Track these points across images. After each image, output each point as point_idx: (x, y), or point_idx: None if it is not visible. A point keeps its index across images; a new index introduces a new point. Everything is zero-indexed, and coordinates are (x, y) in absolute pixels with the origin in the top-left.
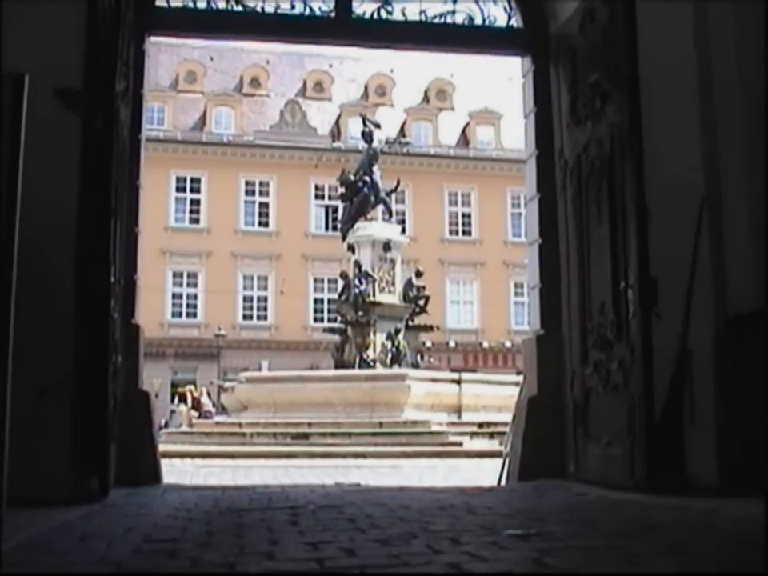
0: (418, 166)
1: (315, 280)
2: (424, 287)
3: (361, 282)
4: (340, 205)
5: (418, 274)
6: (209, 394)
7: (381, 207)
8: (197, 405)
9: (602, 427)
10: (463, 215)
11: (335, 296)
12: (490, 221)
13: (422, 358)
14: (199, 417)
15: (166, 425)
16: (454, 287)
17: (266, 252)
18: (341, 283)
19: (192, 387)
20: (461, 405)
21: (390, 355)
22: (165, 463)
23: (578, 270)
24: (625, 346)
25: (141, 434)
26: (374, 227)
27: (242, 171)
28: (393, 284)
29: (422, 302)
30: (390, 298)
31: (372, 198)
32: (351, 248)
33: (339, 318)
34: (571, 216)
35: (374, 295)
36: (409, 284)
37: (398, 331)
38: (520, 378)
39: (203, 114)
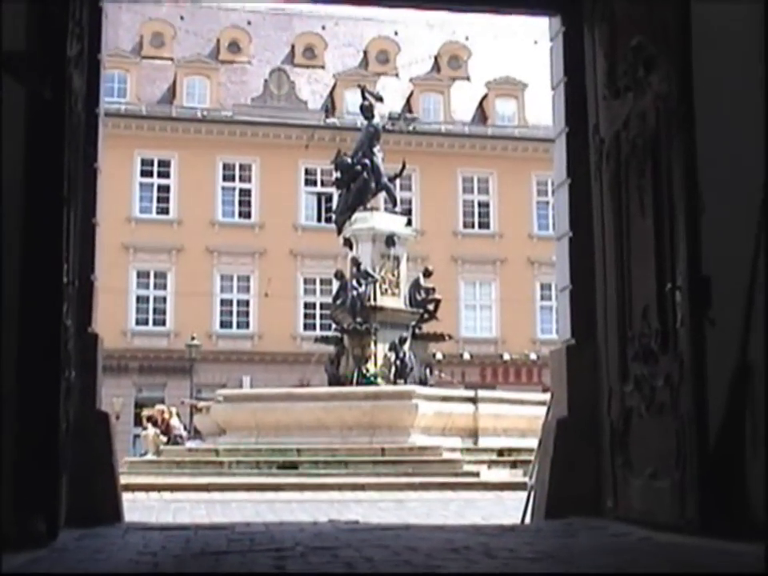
0: (426, 146)
1: (306, 281)
2: (434, 289)
3: (359, 283)
4: (335, 192)
5: (427, 274)
6: (179, 416)
7: (383, 195)
8: (165, 428)
9: (646, 455)
10: (480, 204)
11: (329, 299)
12: (512, 211)
13: (431, 372)
14: (168, 442)
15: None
16: (469, 289)
17: (248, 247)
18: (336, 284)
19: (160, 407)
20: (477, 428)
21: (393, 369)
22: (127, 498)
23: (616, 268)
24: (672, 359)
25: (98, 463)
26: (375, 218)
27: (219, 152)
28: (397, 285)
29: (431, 307)
30: (394, 301)
31: (372, 184)
32: (348, 243)
33: (334, 326)
34: (608, 205)
35: (374, 298)
36: (416, 285)
37: (402, 341)
38: (547, 397)
39: (172, 84)
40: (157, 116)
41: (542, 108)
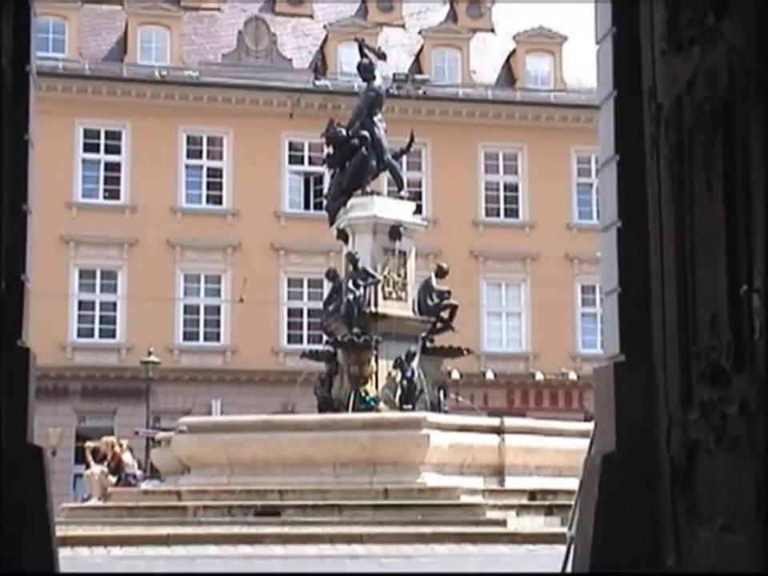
0: (440, 114)
1: (290, 282)
2: (449, 292)
3: (356, 285)
4: (326, 172)
5: (441, 274)
6: (132, 450)
7: (386, 175)
8: (115, 466)
9: (716, 501)
10: (507, 187)
11: (319, 305)
12: (547, 195)
13: (445, 395)
14: (118, 483)
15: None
16: (493, 292)
17: (219, 240)
18: (328, 287)
19: (108, 440)
20: (503, 465)
21: (399, 391)
22: (65, 555)
23: (677, 267)
24: (748, 380)
25: (28, 510)
26: (377, 205)
27: (182, 122)
28: (404, 288)
29: (445, 314)
30: (400, 307)
31: (373, 162)
32: (343, 235)
33: (325, 338)
34: (667, 188)
35: (375, 304)
36: (427, 288)
37: (411, 356)
38: (590, 426)
39: (123, 36)
40: (103, 76)
41: (583, 67)
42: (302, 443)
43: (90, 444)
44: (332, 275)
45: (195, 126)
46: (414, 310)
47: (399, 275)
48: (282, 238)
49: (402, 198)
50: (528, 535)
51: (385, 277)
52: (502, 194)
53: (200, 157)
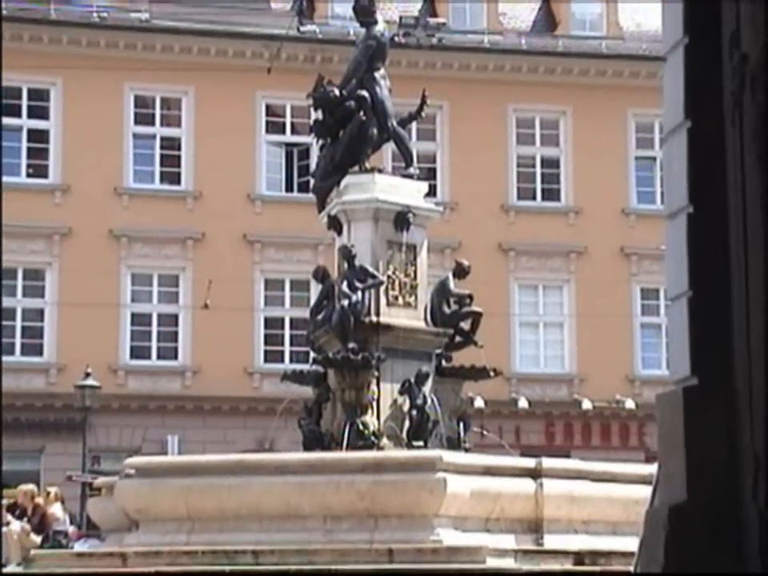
0: (460, 69)
1: (268, 283)
2: (471, 297)
3: (353, 288)
4: (314, 144)
5: (461, 273)
6: (63, 501)
7: (390, 147)
8: (40, 521)
9: None
10: (545, 162)
11: (305, 313)
12: (596, 172)
13: (466, 428)
14: (44, 543)
15: None
16: (527, 296)
17: (176, 230)
18: (316, 290)
19: (27, 488)
20: (541, 518)
21: (407, 423)
22: None
23: (766, 263)
24: None
25: None
26: (379, 185)
27: (128, 78)
28: (413, 291)
29: (466, 325)
30: (408, 316)
31: (374, 131)
32: (335, 224)
33: (313, 355)
34: (752, 162)
35: (377, 312)
36: (442, 291)
37: (422, 379)
38: (653, 469)
39: None
40: (25, 18)
41: (644, 7)
42: (284, 490)
43: (7, 493)
44: (321, 275)
45: (145, 84)
46: (426, 320)
47: (407, 275)
48: (257, 228)
49: (410, 176)
50: None
51: (389, 277)
52: (538, 170)
53: (152, 123)
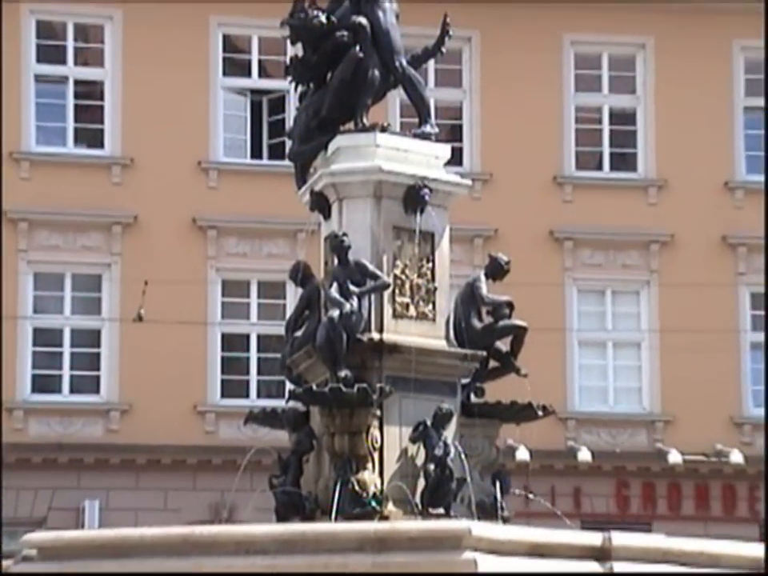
0: None
1: (227, 286)
2: (510, 305)
3: (346, 294)
4: (291, 91)
5: (497, 272)
6: None
7: (398, 95)
8: None
9: None
10: (614, 115)
11: (278, 328)
12: (687, 130)
13: (504, 489)
14: None
15: None
16: (589, 304)
17: (98, 213)
18: (294, 295)
19: None
20: None
21: (422, 482)
22: None
23: None
24: None
25: None
26: (383, 148)
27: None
28: (430, 297)
29: (504, 345)
30: (423, 332)
31: (376, 73)
32: (321, 203)
33: (290, 387)
34: None
35: (380, 326)
36: (471, 298)
37: (442, 419)
38: None
39: None
40: None
41: None
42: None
43: None
44: (301, 276)
45: (52, 5)
46: (448, 337)
47: (422, 275)
48: (211, 209)
49: (427, 136)
50: None
51: (396, 278)
52: (606, 128)
53: (62, 61)
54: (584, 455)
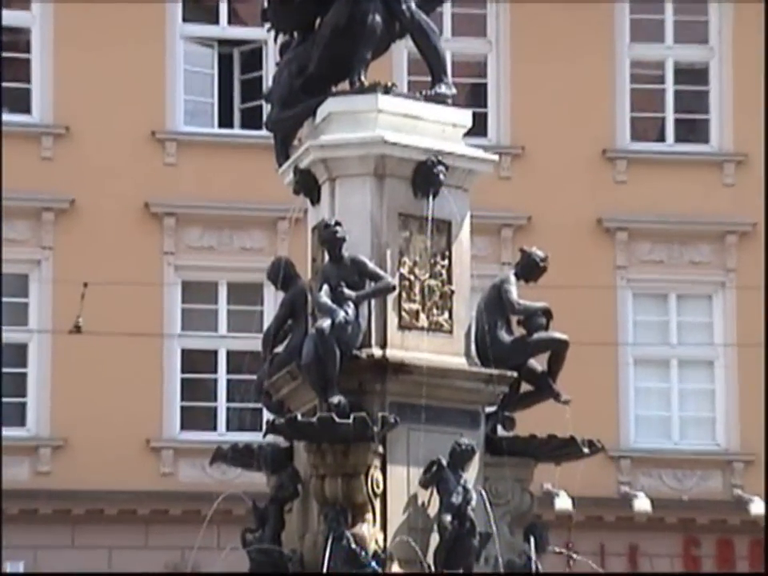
0: None
1: (187, 288)
2: (548, 313)
3: (339, 299)
4: (269, 41)
5: (531, 271)
6: None
7: (406, 47)
8: None
9: None
10: (681, 74)
11: (253, 342)
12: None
13: (540, 546)
14: None
15: None
16: (649, 313)
17: (25, 196)
18: (274, 300)
19: None
20: None
21: (436, 537)
22: None
23: None
24: None
25: None
26: (386, 115)
27: None
28: (446, 303)
29: (537, 364)
30: (438, 347)
31: (375, 18)
32: (307, 183)
33: (269, 418)
34: None
35: (382, 339)
36: (498, 304)
37: (461, 458)
38: None
39: None
40: None
41: None
42: None
43: None
44: (283, 275)
45: None
46: (468, 353)
47: (436, 275)
48: (168, 191)
49: (442, 98)
50: None
51: (403, 278)
52: (669, 87)
53: None
54: (642, 504)
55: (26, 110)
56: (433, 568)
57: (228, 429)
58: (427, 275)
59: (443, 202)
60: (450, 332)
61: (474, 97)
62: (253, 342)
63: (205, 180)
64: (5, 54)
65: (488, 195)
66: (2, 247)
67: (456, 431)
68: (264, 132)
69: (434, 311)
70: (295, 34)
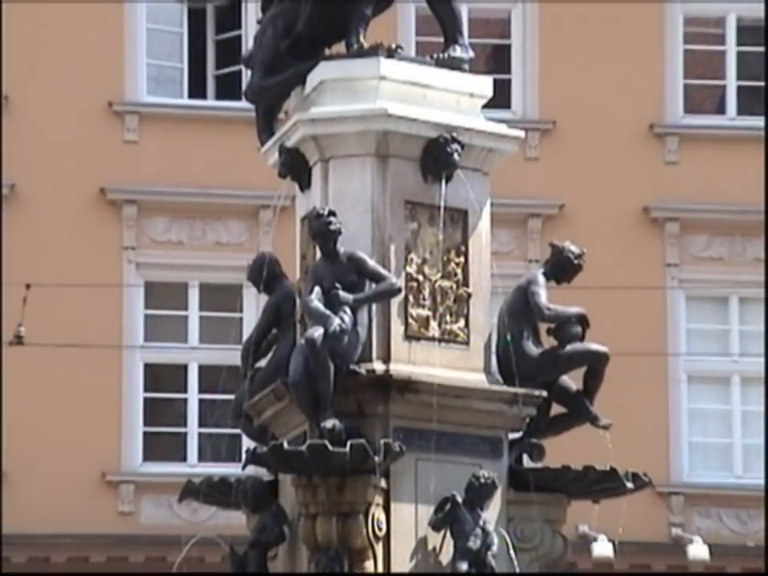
0: None
1: (150, 291)
2: (583, 321)
3: (334, 303)
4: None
5: (563, 270)
6: None
7: (409, 3)
8: None
9: None
10: (744, 33)
11: (233, 357)
12: None
13: None
14: None
15: None
16: (706, 320)
17: None
18: (256, 304)
19: None
20: None
21: None
22: None
23: None
24: None
25: None
26: (389, 83)
27: None
28: (462, 308)
29: (571, 382)
30: (452, 361)
31: None
32: (295, 164)
33: (249, 446)
34: None
35: (385, 352)
36: (524, 308)
37: (480, 494)
38: None
39: None
40: None
41: None
42: None
43: None
44: (267, 275)
45: None
46: (488, 368)
47: (449, 275)
48: (130, 174)
49: (456, 63)
50: None
51: (410, 278)
52: (731, 50)
53: None
54: (698, 550)
55: None
56: None
57: (200, 459)
58: (439, 275)
59: (458, 187)
60: (467, 343)
61: (496, 61)
62: (230, 355)
63: (172, 161)
64: None
65: (512, 179)
66: None
67: (474, 462)
68: (243, 103)
69: (447, 318)
70: None
